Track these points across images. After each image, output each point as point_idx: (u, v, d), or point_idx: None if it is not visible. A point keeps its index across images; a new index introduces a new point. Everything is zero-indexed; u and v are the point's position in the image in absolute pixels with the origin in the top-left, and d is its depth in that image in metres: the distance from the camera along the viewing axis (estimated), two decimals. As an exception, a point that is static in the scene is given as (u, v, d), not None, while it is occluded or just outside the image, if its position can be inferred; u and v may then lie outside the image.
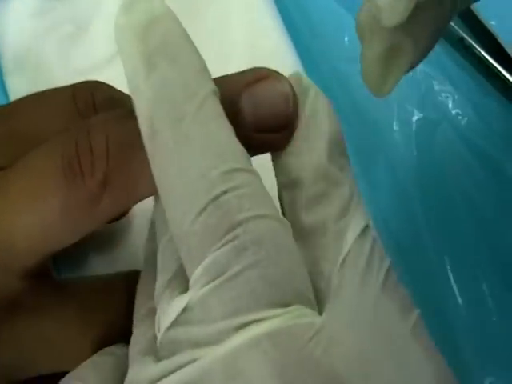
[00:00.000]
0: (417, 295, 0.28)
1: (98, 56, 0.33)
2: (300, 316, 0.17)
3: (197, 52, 0.18)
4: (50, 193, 0.20)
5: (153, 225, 0.22)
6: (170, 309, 0.18)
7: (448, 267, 0.30)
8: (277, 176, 0.21)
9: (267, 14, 0.33)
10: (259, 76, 0.20)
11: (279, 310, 0.17)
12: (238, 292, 0.17)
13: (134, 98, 0.18)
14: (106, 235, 0.29)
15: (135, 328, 0.20)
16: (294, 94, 0.20)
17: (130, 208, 0.21)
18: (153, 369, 0.18)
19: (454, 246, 0.31)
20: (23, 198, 0.20)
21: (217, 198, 0.17)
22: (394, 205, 0.32)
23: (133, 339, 0.20)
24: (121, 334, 0.22)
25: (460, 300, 0.30)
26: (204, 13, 0.34)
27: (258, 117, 0.19)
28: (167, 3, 0.36)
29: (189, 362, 0.17)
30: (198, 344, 0.17)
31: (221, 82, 0.19)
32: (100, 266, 0.28)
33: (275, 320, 0.17)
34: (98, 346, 0.22)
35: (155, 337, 0.19)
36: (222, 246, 0.17)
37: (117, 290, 0.23)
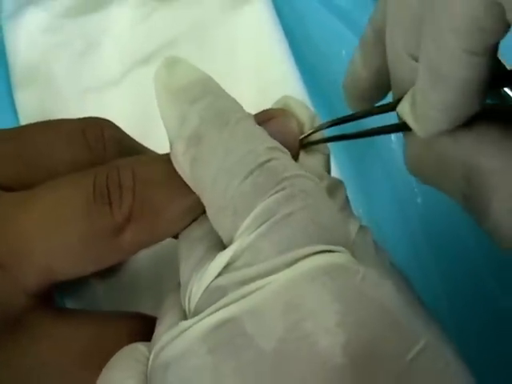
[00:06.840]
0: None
1: (107, 75, 0.34)
2: (349, 258, 0.18)
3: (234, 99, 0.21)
4: (76, 217, 0.21)
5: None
6: (212, 265, 0.18)
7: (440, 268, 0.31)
8: None
9: (274, 39, 0.34)
10: (270, 116, 0.22)
11: (330, 247, 0.18)
12: (290, 231, 0.18)
13: (171, 125, 0.20)
14: None
15: (158, 325, 0.20)
16: (300, 128, 0.23)
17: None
18: (188, 321, 0.18)
19: (450, 247, 0.32)
20: (49, 219, 0.21)
21: (262, 164, 0.19)
22: (392, 211, 0.33)
23: (156, 331, 0.19)
24: None
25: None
26: (212, 39, 0.34)
27: None
28: (174, 28, 0.36)
29: (240, 297, 0.17)
30: (248, 282, 0.17)
31: None
32: (100, 287, 0.28)
33: (329, 255, 0.17)
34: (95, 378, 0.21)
35: (182, 315, 0.19)
36: (270, 196, 0.18)
37: (117, 333, 0.22)
